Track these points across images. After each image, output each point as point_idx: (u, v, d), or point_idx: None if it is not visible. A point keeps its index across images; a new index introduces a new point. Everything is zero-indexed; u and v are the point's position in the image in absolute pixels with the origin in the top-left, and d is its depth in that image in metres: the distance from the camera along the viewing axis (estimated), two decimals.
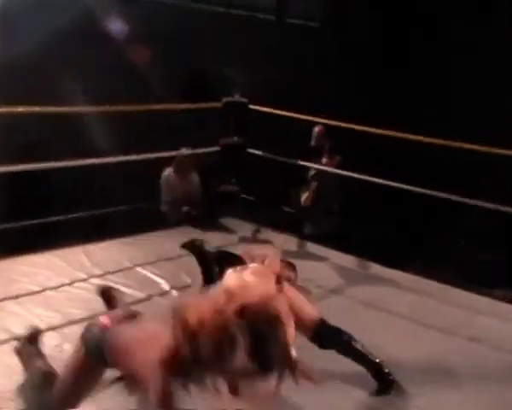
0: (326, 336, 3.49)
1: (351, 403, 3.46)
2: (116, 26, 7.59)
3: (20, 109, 5.38)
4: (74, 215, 6.12)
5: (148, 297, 4.70)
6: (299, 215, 6.80)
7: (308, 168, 6.92)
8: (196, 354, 2.37)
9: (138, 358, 2.55)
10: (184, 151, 6.63)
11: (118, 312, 3.21)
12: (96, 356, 2.73)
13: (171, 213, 6.65)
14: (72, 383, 2.87)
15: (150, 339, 2.59)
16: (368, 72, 7.90)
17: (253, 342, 2.41)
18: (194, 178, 6.74)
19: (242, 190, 6.83)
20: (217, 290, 2.85)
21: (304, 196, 6.93)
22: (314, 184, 6.88)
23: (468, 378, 3.84)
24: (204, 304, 2.48)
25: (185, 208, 6.52)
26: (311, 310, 3.49)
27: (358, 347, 3.51)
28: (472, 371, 3.93)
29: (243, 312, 2.47)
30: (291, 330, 2.78)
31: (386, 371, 3.51)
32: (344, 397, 3.49)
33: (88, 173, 6.36)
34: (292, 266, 3.82)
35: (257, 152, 6.88)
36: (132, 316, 2.91)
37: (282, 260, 3.45)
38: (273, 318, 2.50)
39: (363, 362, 3.52)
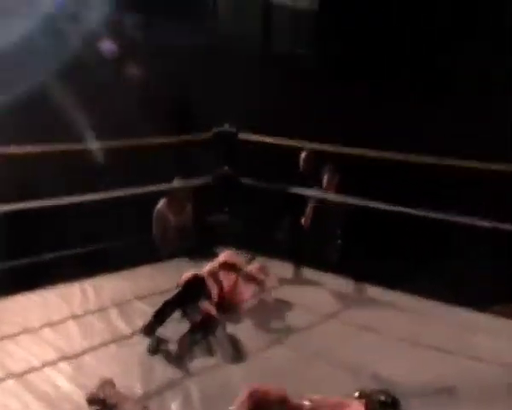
0: None
1: None
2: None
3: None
4: (66, 252, 6.09)
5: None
6: (298, 240, 6.66)
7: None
8: None
9: None
10: (177, 183, 6.60)
11: None
12: None
13: (164, 246, 6.62)
14: None
15: None
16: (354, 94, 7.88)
17: None
18: (188, 209, 6.71)
19: (235, 218, 6.81)
20: None
21: (304, 218, 6.71)
22: (312, 204, 6.65)
23: (471, 398, 3.80)
24: None
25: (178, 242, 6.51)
26: None
27: None
28: (474, 390, 3.89)
29: None
30: None
31: None
32: None
33: (78, 210, 6.30)
34: None
35: (249, 182, 6.84)
36: None
37: None
38: None
39: None
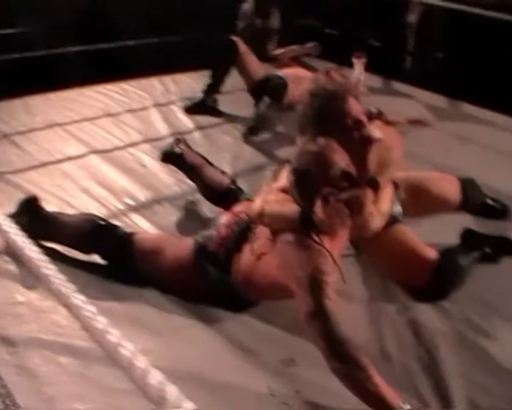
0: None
1: None
2: None
3: None
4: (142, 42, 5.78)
5: None
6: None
7: None
8: None
9: None
10: None
11: None
12: None
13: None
14: None
15: None
16: None
17: None
18: (275, 11, 6.25)
19: (324, 24, 6.33)
20: None
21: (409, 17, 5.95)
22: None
23: None
24: None
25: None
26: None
27: None
28: None
29: None
30: None
31: None
32: None
33: None
34: None
35: None
36: None
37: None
38: None
39: None
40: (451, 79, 5.57)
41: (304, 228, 2.18)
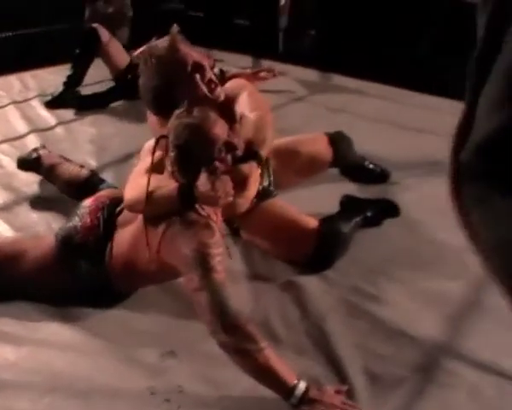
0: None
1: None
2: None
3: None
4: None
5: None
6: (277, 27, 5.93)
7: None
8: None
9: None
10: None
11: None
12: None
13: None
14: None
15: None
16: None
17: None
18: None
19: (189, 6, 6.14)
20: None
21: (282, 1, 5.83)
22: None
23: None
24: None
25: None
26: None
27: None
28: None
29: None
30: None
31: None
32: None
33: None
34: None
35: None
36: None
37: None
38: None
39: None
40: (323, 54, 5.57)
41: (185, 202, 2.04)
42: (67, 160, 3.10)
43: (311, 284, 2.45)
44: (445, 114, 4.39)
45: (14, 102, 4.45)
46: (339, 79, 5.23)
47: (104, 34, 4.46)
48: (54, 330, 2.20)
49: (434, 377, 2.03)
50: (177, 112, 2.11)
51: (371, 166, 3.29)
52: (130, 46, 4.94)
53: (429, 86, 4.83)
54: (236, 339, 1.83)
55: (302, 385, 1.83)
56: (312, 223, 2.53)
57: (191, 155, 2.04)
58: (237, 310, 1.88)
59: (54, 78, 4.96)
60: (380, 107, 4.58)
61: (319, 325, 2.24)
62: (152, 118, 2.48)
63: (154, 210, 2.10)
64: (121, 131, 4.02)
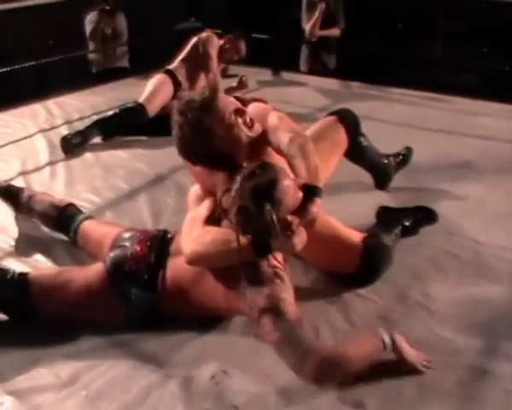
0: None
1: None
2: None
3: None
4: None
5: None
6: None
7: None
8: None
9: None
10: None
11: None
12: None
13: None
14: None
15: None
16: None
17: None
18: (120, 17, 6.07)
19: (206, 24, 6.15)
20: None
21: (309, 24, 5.64)
22: (322, 6, 5.55)
23: (486, 171, 3.58)
24: None
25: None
26: None
27: None
28: (488, 163, 3.67)
29: None
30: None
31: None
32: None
33: None
34: None
35: None
36: None
37: None
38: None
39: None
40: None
41: (260, 254, 2.08)
42: (43, 192, 3.12)
43: (359, 296, 2.46)
44: (469, 115, 4.46)
45: (42, 131, 4.46)
46: (360, 87, 5.24)
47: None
48: (104, 354, 2.20)
49: (484, 381, 2.02)
50: (242, 173, 2.09)
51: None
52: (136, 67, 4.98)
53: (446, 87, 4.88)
54: (326, 372, 1.89)
55: (386, 338, 1.97)
56: (357, 237, 2.52)
57: (265, 209, 2.01)
58: (318, 346, 1.95)
59: (77, 103, 5.03)
60: (405, 112, 4.59)
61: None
62: (194, 168, 2.42)
63: (222, 264, 2.15)
64: (149, 153, 4.03)
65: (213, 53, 4.53)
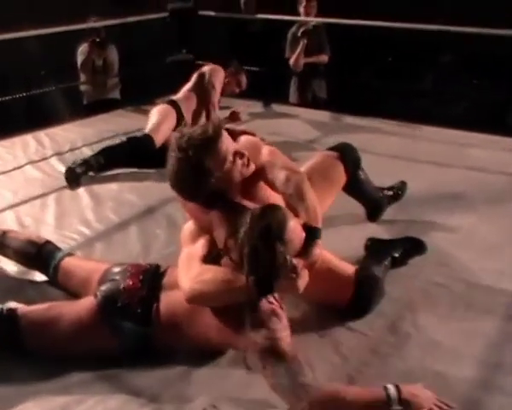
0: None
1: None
2: None
3: None
4: None
5: None
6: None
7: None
8: None
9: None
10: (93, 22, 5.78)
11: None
12: None
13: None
14: None
15: None
16: None
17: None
18: (111, 49, 6.07)
19: (197, 57, 6.18)
20: None
21: (293, 58, 5.74)
22: (304, 41, 5.64)
23: (477, 202, 3.59)
24: None
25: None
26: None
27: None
28: (479, 194, 3.68)
29: None
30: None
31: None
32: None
33: None
34: None
35: (210, 13, 6.17)
36: None
37: None
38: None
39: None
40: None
41: (262, 294, 2.08)
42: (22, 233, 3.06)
43: (350, 330, 2.44)
44: (459, 146, 4.49)
45: (32, 162, 4.46)
46: (350, 120, 5.27)
47: None
48: (93, 389, 2.16)
49: None
50: (251, 214, 2.09)
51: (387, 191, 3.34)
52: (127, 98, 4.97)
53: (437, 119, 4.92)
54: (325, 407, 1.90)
55: (392, 389, 1.90)
56: (349, 269, 2.51)
57: (271, 249, 2.01)
58: (317, 389, 1.92)
59: (67, 135, 5.03)
60: (396, 143, 4.61)
61: (360, 369, 2.22)
62: (188, 203, 2.42)
63: (221, 302, 2.16)
64: (139, 185, 4.02)
65: (218, 85, 4.56)
